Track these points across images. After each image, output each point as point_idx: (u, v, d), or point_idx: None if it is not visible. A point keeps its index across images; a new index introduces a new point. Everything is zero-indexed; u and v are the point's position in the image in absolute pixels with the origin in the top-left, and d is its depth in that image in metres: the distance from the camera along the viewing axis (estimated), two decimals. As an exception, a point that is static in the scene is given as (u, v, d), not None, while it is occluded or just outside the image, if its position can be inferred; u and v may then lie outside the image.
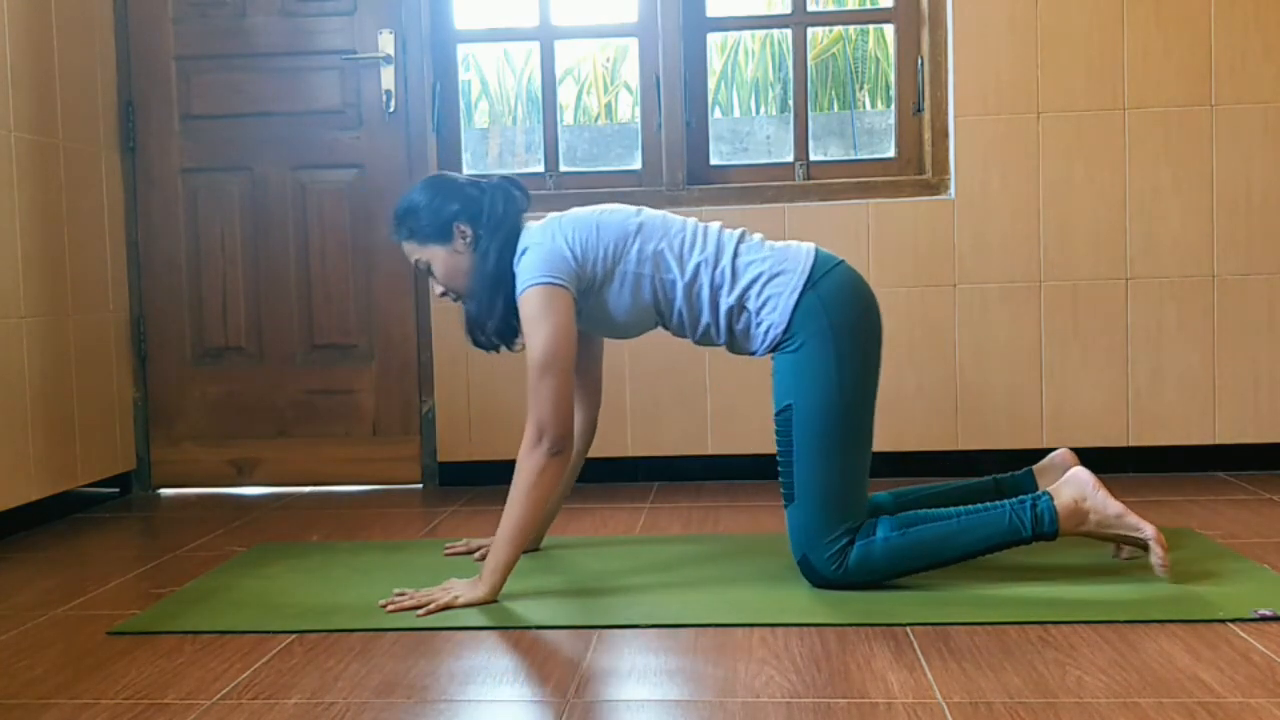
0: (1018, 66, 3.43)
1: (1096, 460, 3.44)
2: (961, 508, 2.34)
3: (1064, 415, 3.45)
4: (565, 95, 5.06)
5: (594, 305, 2.41)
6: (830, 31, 4.87)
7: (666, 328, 2.48)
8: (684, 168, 3.60)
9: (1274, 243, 3.41)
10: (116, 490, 3.63)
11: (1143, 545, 2.30)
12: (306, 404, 3.69)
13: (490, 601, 2.27)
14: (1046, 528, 2.27)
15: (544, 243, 2.37)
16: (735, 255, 2.38)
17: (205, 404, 3.71)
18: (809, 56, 3.78)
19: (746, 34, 4.92)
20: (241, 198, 3.68)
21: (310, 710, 1.79)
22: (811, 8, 3.82)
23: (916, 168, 3.60)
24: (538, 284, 2.32)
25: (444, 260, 2.44)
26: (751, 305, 2.36)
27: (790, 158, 3.69)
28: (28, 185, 3.17)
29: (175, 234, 3.70)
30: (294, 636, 2.14)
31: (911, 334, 3.47)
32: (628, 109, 5.16)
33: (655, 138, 3.63)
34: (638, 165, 3.67)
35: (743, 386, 3.50)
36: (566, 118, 5.03)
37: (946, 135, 3.50)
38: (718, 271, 2.37)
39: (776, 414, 2.34)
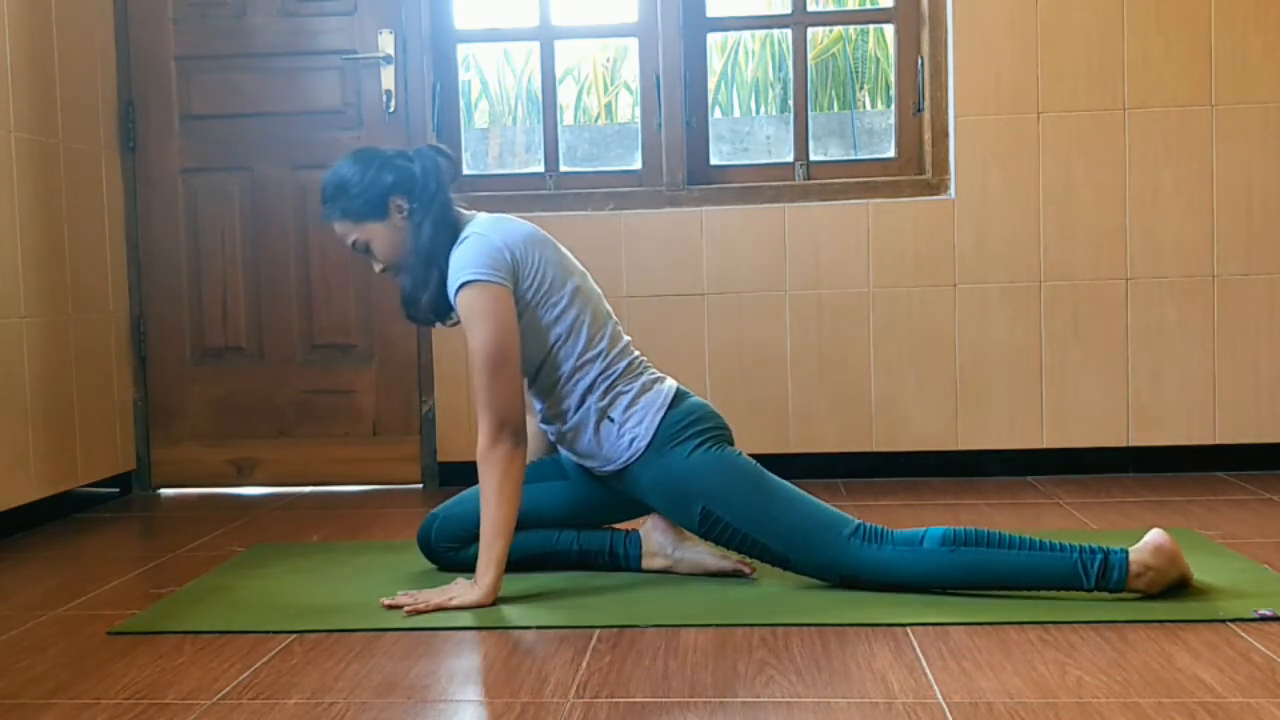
0: (1018, 66, 3.43)
1: (1096, 460, 3.46)
2: (1025, 538, 2.19)
3: (1064, 415, 3.45)
4: (565, 95, 5.05)
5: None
6: (830, 31, 4.86)
7: (530, 386, 2.43)
8: (684, 168, 3.60)
9: (1274, 243, 3.41)
10: (116, 490, 3.63)
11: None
12: (306, 404, 3.69)
13: (488, 603, 2.26)
14: (1113, 584, 2.14)
15: (488, 235, 2.32)
16: (622, 372, 2.38)
17: (205, 404, 3.71)
18: (809, 56, 3.78)
19: (746, 34, 4.92)
20: (241, 198, 3.68)
21: (310, 710, 1.79)
22: (811, 8, 3.82)
23: (916, 168, 3.59)
24: (476, 280, 2.27)
25: (383, 237, 2.37)
26: (617, 416, 2.35)
27: (790, 158, 3.69)
28: (28, 185, 3.17)
29: (175, 234, 3.69)
30: (294, 636, 2.14)
31: (911, 334, 3.47)
32: (628, 109, 5.15)
33: (655, 138, 3.63)
34: (638, 165, 3.67)
35: (743, 387, 3.50)
36: (566, 118, 5.03)
37: (946, 135, 3.49)
38: (602, 376, 2.36)
39: (699, 525, 2.33)
